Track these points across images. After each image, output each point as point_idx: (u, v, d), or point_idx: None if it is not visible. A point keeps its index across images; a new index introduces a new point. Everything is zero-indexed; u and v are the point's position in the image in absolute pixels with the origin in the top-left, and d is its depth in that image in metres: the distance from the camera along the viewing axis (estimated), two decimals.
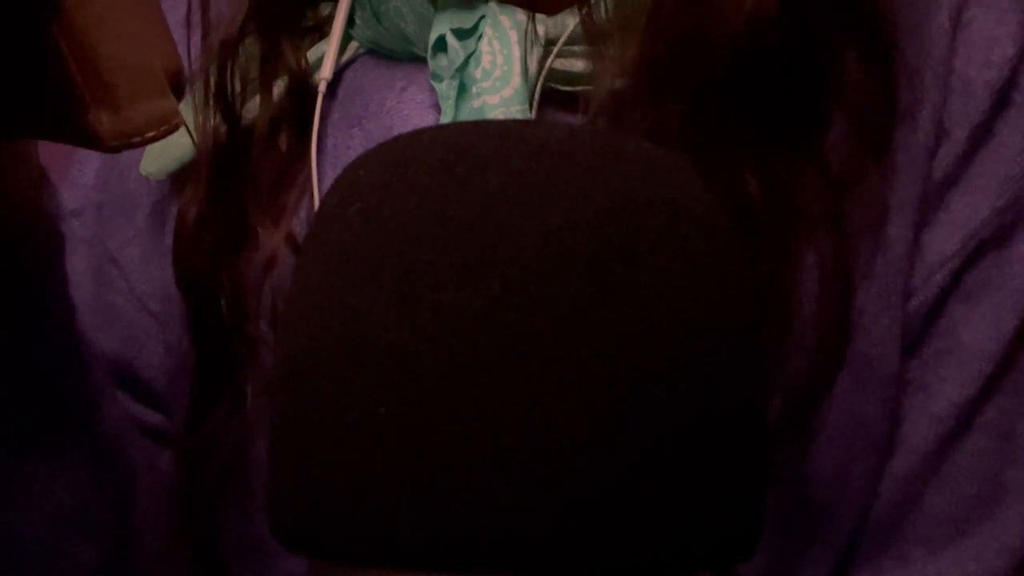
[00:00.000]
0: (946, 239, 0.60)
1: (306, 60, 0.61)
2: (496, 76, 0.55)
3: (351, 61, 0.62)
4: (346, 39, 0.62)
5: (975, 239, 0.60)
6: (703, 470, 0.43)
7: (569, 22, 0.56)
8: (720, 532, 0.44)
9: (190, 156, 0.61)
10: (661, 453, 0.43)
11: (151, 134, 0.44)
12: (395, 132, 0.54)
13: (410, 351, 0.42)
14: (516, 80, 0.55)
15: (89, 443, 0.55)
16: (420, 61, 0.60)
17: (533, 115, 0.56)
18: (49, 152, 0.51)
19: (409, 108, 0.60)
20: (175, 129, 0.44)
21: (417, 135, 0.47)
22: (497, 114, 0.55)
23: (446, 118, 0.57)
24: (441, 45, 0.57)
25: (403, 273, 0.43)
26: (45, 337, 0.53)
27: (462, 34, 0.56)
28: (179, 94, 0.44)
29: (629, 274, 0.43)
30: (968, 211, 0.60)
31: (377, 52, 0.61)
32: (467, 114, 0.56)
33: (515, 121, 0.48)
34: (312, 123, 0.59)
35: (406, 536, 0.42)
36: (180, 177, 0.62)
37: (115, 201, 0.68)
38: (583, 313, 0.42)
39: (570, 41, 0.56)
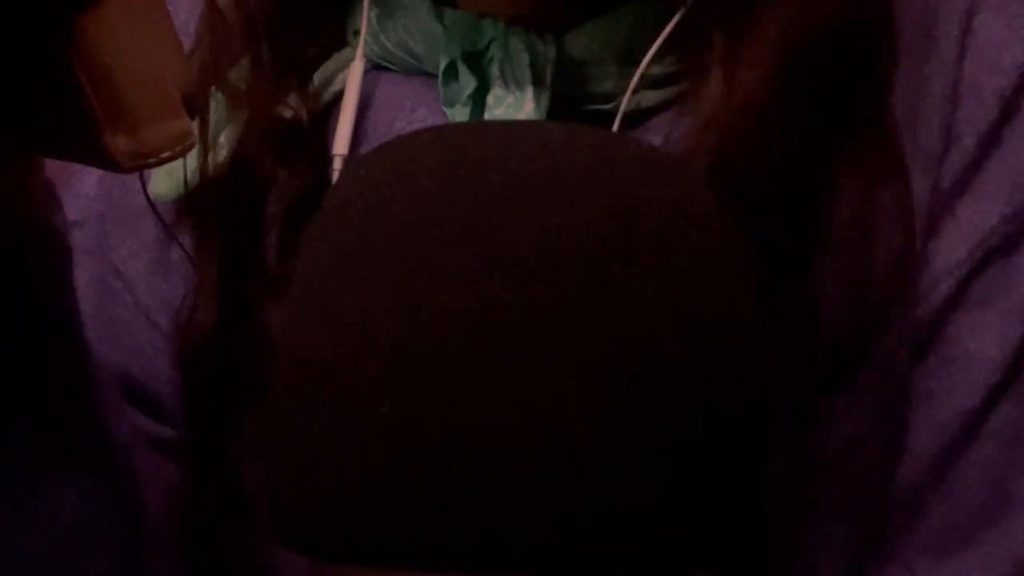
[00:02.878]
0: (953, 248, 0.59)
1: (313, 83, 0.61)
2: (509, 103, 0.55)
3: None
4: (350, 54, 0.61)
5: (982, 248, 0.59)
6: (703, 470, 0.43)
7: (581, 41, 0.56)
8: (720, 532, 0.44)
9: (198, 178, 0.60)
10: (661, 453, 0.43)
11: (167, 154, 0.44)
12: None
13: (411, 351, 0.42)
14: (529, 106, 0.55)
15: (98, 456, 0.55)
16: (428, 76, 0.59)
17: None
18: (49, 162, 0.50)
19: (420, 123, 0.59)
20: (190, 148, 0.45)
21: (418, 136, 0.47)
22: None
23: None
24: (452, 72, 0.56)
25: (404, 274, 0.43)
26: (52, 349, 0.53)
27: (472, 58, 0.56)
28: (192, 114, 0.45)
29: (629, 274, 0.43)
30: (976, 219, 0.59)
31: (384, 67, 0.61)
32: None
33: (515, 122, 0.48)
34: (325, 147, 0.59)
35: (407, 536, 0.42)
36: (187, 196, 0.62)
37: (119, 213, 0.67)
38: (583, 313, 0.42)
39: (585, 61, 0.56)
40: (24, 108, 0.43)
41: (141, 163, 0.44)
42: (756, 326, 0.46)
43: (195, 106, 0.46)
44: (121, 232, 0.67)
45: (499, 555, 0.42)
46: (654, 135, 0.56)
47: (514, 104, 0.55)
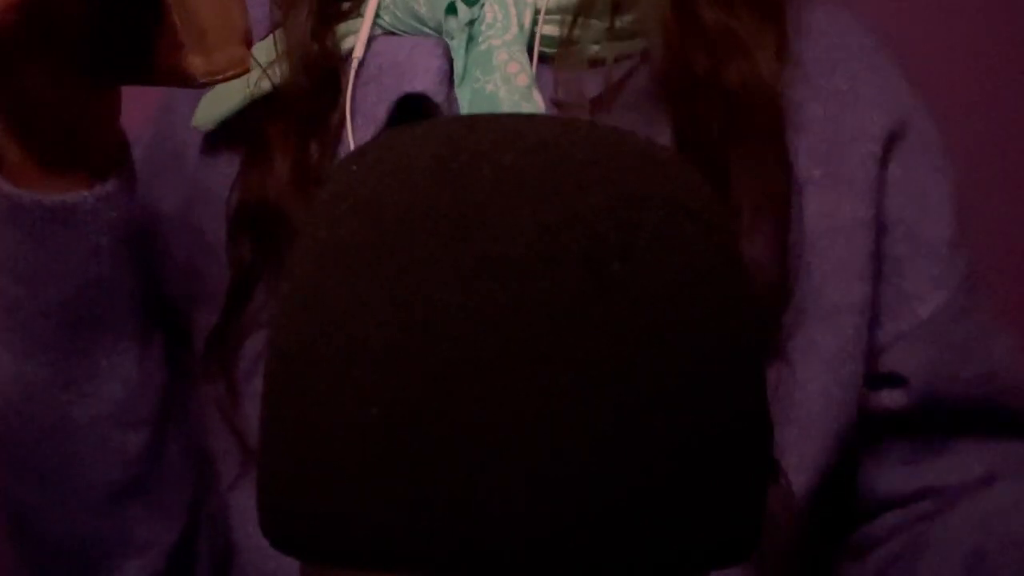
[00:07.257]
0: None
1: (334, 35, 0.71)
2: (498, 26, 0.67)
3: (370, 40, 0.71)
4: (359, 23, 0.71)
5: None
6: (701, 470, 0.43)
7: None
8: (718, 533, 0.43)
9: (237, 107, 0.70)
10: (659, 454, 0.42)
11: (230, 73, 0.56)
12: (406, 77, 0.67)
13: (403, 350, 0.42)
14: (514, 28, 0.67)
15: (141, 347, 0.66)
16: (428, 36, 0.69)
17: (534, 68, 0.66)
18: None
19: (418, 56, 0.69)
20: (247, 71, 0.57)
21: (411, 129, 0.46)
22: (502, 53, 0.66)
23: (458, 60, 0.67)
24: (451, 10, 0.68)
25: (396, 271, 0.42)
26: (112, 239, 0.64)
27: (469, 2, 0.67)
28: (248, 45, 0.57)
29: (625, 271, 0.42)
30: None
31: (392, 33, 0.71)
32: (475, 56, 0.66)
33: (509, 115, 0.48)
34: (343, 87, 0.70)
35: (397, 539, 0.42)
36: (224, 130, 0.71)
37: (159, 156, 0.74)
38: (579, 311, 0.41)
39: (552, 11, 0.67)
40: (130, 35, 0.56)
41: (211, 80, 0.56)
42: (755, 322, 0.45)
43: (250, 39, 0.57)
44: (161, 173, 0.73)
45: (493, 558, 0.41)
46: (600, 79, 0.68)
47: (502, 27, 0.67)
